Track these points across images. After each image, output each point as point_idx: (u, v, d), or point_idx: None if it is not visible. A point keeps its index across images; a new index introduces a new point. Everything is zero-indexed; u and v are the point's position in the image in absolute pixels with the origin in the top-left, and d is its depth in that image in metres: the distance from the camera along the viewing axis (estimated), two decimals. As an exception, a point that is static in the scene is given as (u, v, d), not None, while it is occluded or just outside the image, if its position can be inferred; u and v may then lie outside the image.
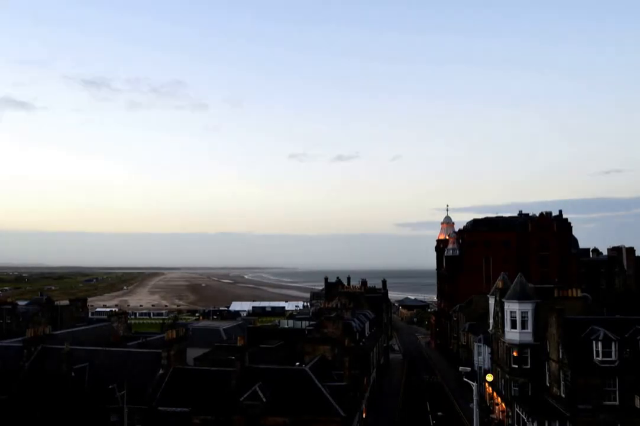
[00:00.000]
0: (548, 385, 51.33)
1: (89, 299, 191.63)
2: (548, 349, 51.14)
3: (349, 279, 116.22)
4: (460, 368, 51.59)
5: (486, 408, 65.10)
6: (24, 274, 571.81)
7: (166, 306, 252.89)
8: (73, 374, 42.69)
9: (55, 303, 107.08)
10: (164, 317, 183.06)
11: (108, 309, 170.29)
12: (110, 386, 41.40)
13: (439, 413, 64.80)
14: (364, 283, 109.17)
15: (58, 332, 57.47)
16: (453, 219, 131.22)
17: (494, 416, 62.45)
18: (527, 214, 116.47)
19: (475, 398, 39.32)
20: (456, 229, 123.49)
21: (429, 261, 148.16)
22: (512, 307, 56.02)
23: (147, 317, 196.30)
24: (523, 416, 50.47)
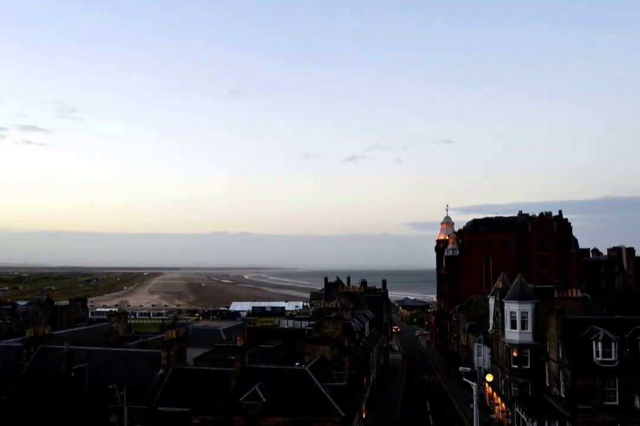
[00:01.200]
0: (548, 385, 51.32)
1: (89, 299, 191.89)
2: (548, 350, 51.12)
3: (348, 279, 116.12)
4: (460, 368, 51.66)
5: (486, 408, 65.10)
6: (23, 274, 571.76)
7: (166, 306, 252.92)
8: (73, 374, 42.67)
9: (55, 303, 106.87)
10: (163, 317, 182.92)
11: (108, 310, 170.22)
12: (110, 386, 41.46)
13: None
14: (363, 283, 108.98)
15: (58, 332, 57.48)
16: (453, 219, 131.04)
17: (493, 416, 62.46)
18: (527, 215, 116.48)
19: (475, 398, 39.31)
20: (456, 230, 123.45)
21: (429, 261, 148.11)
22: (512, 307, 56.00)
23: (147, 317, 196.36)
24: (523, 416, 50.42)
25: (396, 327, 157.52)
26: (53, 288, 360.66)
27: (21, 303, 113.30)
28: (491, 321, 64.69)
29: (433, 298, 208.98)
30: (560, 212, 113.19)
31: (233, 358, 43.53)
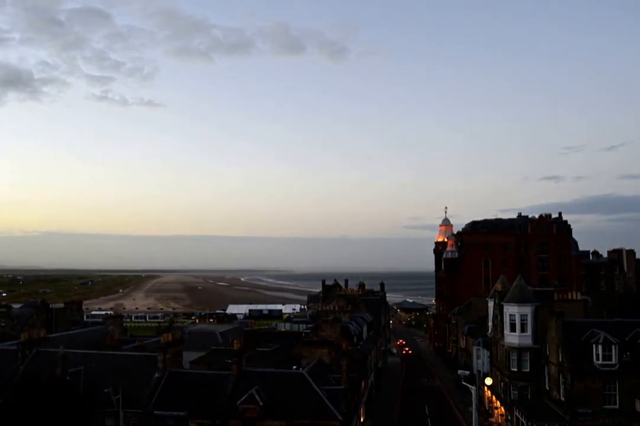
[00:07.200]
0: (548, 388, 50.96)
1: (85, 302, 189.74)
2: (548, 353, 50.79)
3: (346, 281, 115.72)
4: (459, 372, 51.35)
5: (485, 412, 64.68)
6: (18, 277, 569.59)
7: (162, 309, 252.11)
8: (68, 377, 42.24)
9: (50, 306, 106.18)
10: (159, 320, 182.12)
11: (103, 312, 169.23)
12: (105, 390, 41.12)
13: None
14: (361, 285, 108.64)
15: (53, 335, 57.04)
16: (451, 222, 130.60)
17: (493, 420, 62.10)
18: (526, 216, 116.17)
19: (474, 401, 38.92)
20: (455, 232, 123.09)
21: (428, 263, 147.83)
22: (511, 310, 55.67)
23: (143, 320, 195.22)
24: (522, 420, 50.09)
25: (401, 340, 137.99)
26: (48, 290, 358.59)
27: (16, 306, 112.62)
28: (490, 323, 64.35)
29: (432, 300, 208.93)
30: (560, 214, 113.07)
31: (230, 361, 43.21)
